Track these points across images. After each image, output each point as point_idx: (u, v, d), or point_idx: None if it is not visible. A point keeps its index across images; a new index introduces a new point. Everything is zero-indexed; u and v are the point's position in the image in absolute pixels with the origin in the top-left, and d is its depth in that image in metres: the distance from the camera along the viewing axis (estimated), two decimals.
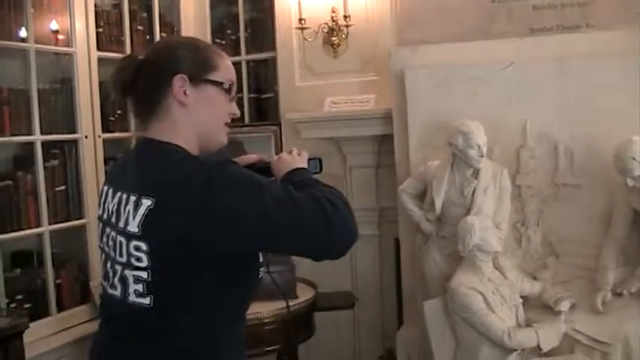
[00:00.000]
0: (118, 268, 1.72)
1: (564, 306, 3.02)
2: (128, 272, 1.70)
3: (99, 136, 3.73)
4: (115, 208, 1.74)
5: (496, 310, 2.92)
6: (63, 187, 3.60)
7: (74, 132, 3.63)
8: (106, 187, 1.84)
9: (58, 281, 3.54)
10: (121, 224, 1.70)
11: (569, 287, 3.16)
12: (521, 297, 3.09)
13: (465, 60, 3.43)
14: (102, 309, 1.87)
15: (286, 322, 3.32)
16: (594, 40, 3.31)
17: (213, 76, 1.81)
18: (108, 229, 1.77)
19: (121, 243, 1.70)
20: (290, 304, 3.27)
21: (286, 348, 3.51)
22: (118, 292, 1.73)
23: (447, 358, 3.08)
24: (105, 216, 1.80)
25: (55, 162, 3.57)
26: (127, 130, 3.98)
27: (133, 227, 1.66)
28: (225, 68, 1.85)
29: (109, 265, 1.77)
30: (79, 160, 3.65)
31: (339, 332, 4.25)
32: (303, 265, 3.72)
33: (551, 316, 3.03)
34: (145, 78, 1.79)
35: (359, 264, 4.16)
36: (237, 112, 1.90)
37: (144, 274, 1.67)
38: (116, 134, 3.92)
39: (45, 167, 3.47)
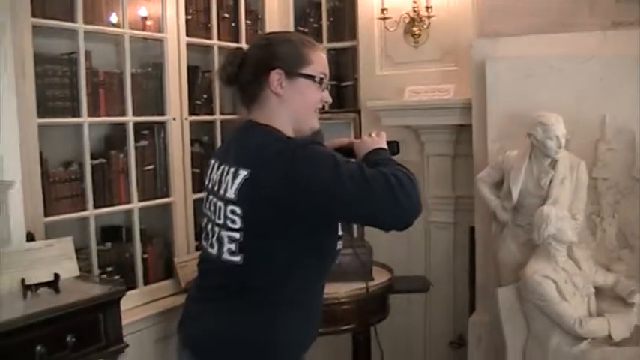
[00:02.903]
0: (216, 229, 2.02)
1: (637, 298, 3.03)
2: (224, 233, 1.99)
3: (186, 119, 3.83)
4: (218, 178, 2.03)
5: (568, 298, 2.94)
6: (151, 167, 3.71)
7: (163, 114, 3.74)
8: (212, 161, 2.13)
9: (144, 256, 3.66)
10: (222, 191, 1.98)
11: None
12: (594, 287, 3.10)
13: (547, 52, 3.44)
14: (200, 264, 2.17)
15: (362, 302, 3.42)
16: None
17: (307, 70, 2.06)
18: (211, 197, 2.07)
19: (220, 208, 1.99)
20: (367, 285, 3.42)
21: (362, 327, 3.60)
22: (214, 251, 2.03)
23: (518, 344, 3.12)
24: (209, 185, 2.09)
25: (145, 142, 3.68)
26: (211, 114, 4.09)
27: (231, 194, 1.95)
28: (318, 62, 2.10)
29: (209, 227, 2.07)
30: (166, 141, 3.75)
31: (410, 317, 4.31)
32: (380, 250, 3.83)
33: (624, 308, 3.04)
34: (246, 72, 2.07)
35: (433, 250, 4.22)
36: (329, 100, 2.16)
37: (237, 235, 1.96)
38: (202, 117, 4.03)
39: (135, 147, 3.58)
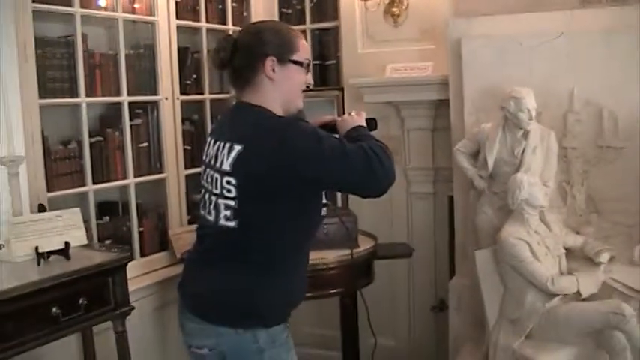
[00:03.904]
0: (213, 198, 2.25)
1: (604, 257, 3.16)
2: (220, 201, 2.22)
3: (177, 98, 3.98)
4: (214, 153, 2.25)
5: (541, 259, 3.07)
6: (146, 144, 3.87)
7: (156, 94, 3.88)
8: (209, 139, 2.36)
9: (140, 229, 3.81)
10: (218, 165, 2.21)
11: (610, 242, 3.29)
12: (565, 249, 3.23)
13: (518, 30, 3.56)
14: (198, 230, 2.41)
15: (348, 268, 3.60)
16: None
17: (295, 57, 2.31)
18: (208, 170, 2.28)
19: (216, 179, 2.22)
20: (352, 251, 3.60)
21: (348, 291, 3.78)
22: (212, 217, 2.26)
23: (495, 303, 3.25)
24: (207, 160, 2.31)
25: (139, 121, 3.83)
26: (201, 93, 4.24)
27: (226, 166, 2.18)
28: (303, 49, 2.35)
29: (207, 197, 2.29)
30: (159, 120, 3.90)
31: (395, 283, 4.50)
32: (364, 220, 4.00)
33: (592, 267, 3.18)
34: (240, 57, 2.29)
35: (415, 220, 4.39)
36: (312, 82, 2.41)
37: (232, 203, 2.19)
38: (192, 96, 4.18)
39: (130, 126, 3.72)
